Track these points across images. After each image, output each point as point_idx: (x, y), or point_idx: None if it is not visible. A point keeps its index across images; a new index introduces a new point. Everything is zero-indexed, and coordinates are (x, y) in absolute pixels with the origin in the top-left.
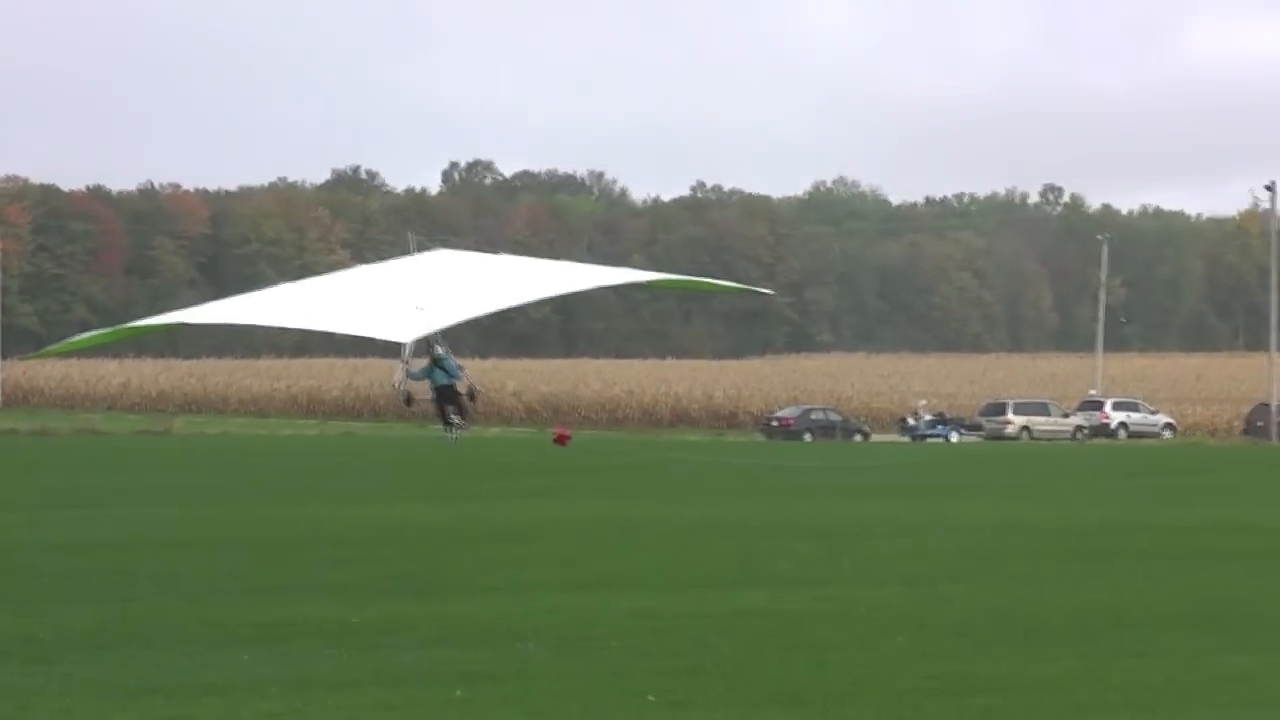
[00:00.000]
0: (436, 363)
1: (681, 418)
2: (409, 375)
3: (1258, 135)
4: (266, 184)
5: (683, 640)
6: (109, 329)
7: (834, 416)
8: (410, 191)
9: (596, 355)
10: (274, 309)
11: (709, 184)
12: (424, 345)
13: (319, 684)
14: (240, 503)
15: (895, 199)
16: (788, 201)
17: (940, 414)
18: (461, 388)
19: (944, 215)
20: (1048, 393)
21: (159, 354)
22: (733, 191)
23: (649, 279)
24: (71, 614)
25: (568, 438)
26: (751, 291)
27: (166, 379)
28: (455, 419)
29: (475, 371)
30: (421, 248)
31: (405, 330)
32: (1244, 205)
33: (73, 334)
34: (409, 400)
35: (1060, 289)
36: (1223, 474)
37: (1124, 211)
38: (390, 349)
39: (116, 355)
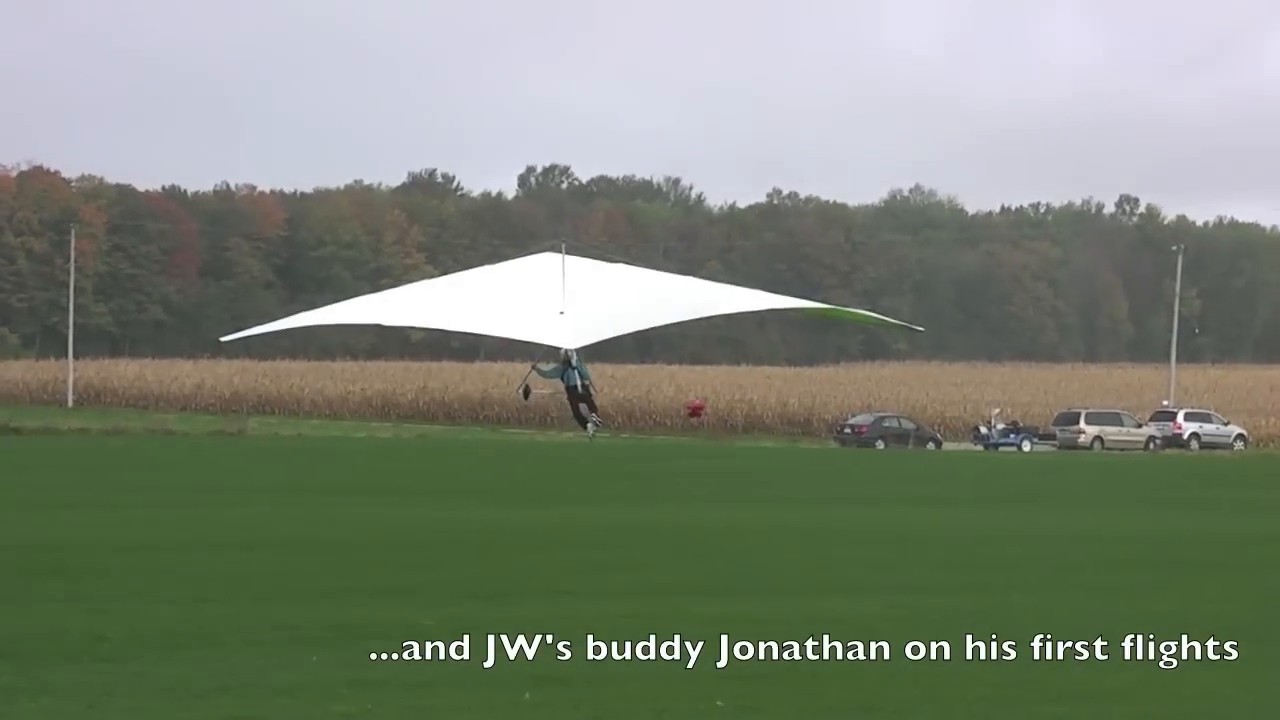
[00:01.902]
0: (568, 364)
1: (756, 424)
2: (540, 373)
3: None
4: (343, 186)
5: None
6: (281, 321)
7: (907, 424)
8: (487, 195)
9: (671, 361)
10: (442, 314)
11: (785, 191)
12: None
13: (390, 685)
14: (312, 504)
15: (971, 208)
16: (864, 209)
17: (1013, 423)
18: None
19: (1020, 225)
20: (1121, 403)
21: (233, 355)
22: (809, 199)
23: (798, 306)
24: (142, 614)
25: (702, 409)
26: (904, 327)
27: (241, 380)
28: (592, 416)
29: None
30: (568, 252)
31: (571, 338)
32: None
33: (146, 334)
34: (526, 393)
35: (1135, 299)
36: None
37: (1199, 223)
38: (464, 352)
39: (192, 356)
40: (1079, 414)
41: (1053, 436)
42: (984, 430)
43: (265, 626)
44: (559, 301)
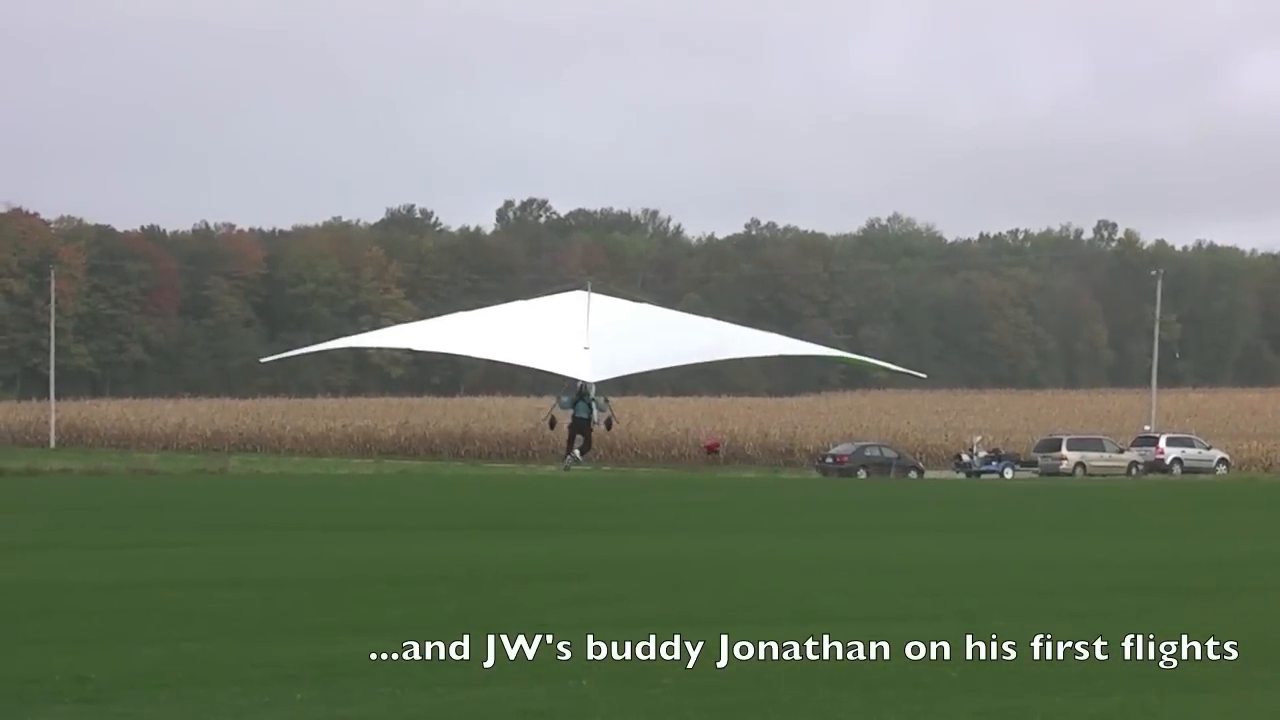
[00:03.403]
0: (582, 397)
1: (737, 455)
2: (559, 403)
3: None
4: (321, 224)
5: (737, 677)
6: (328, 343)
7: (889, 453)
8: (465, 230)
9: (652, 394)
10: (472, 342)
11: (763, 221)
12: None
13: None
14: (295, 541)
15: (950, 236)
16: (842, 239)
17: (995, 450)
18: (601, 419)
19: (998, 252)
20: (1103, 428)
21: (214, 394)
22: (787, 229)
23: (814, 353)
24: (126, 653)
25: (717, 446)
26: (906, 373)
27: (222, 418)
28: (577, 451)
29: (532, 408)
30: (592, 290)
31: (591, 371)
32: None
33: (127, 374)
34: (553, 424)
35: (1115, 325)
36: (1276, 509)
37: (1178, 247)
38: (444, 388)
39: (172, 395)
40: (1061, 440)
41: (1034, 463)
42: (965, 458)
43: (249, 665)
44: (584, 337)
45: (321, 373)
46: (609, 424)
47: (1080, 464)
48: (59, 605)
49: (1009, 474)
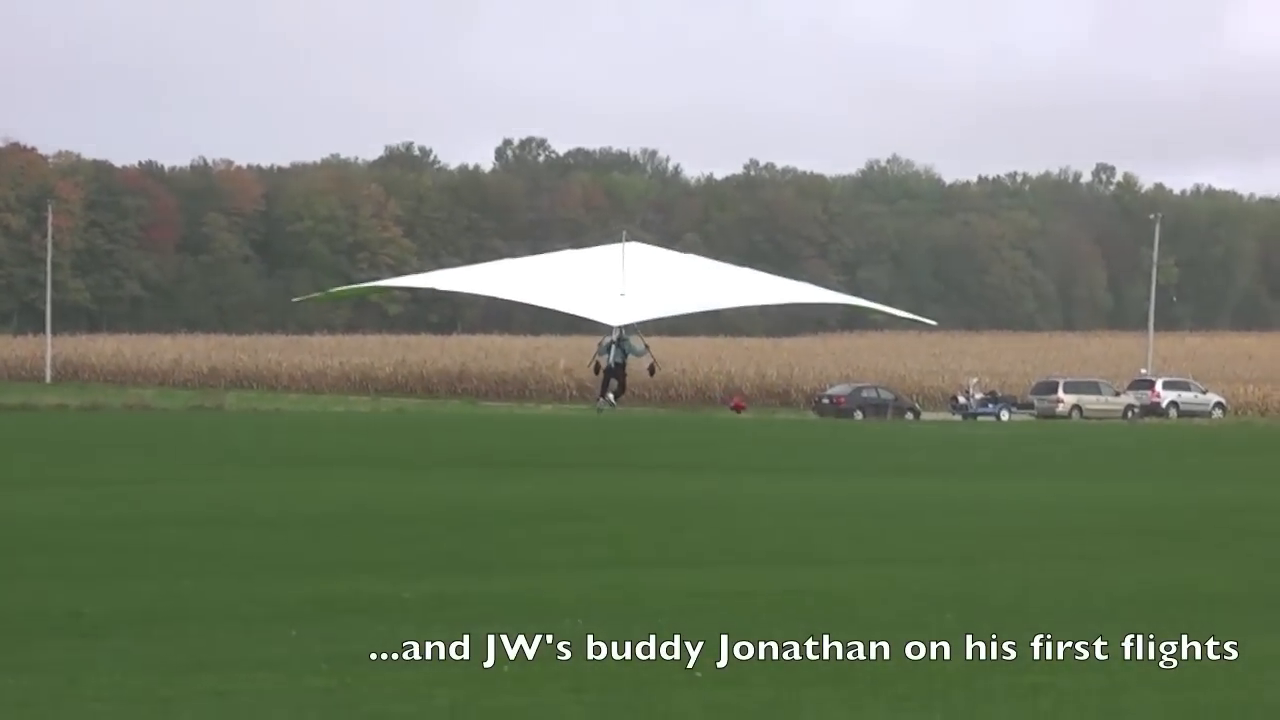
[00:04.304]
0: (618, 343)
1: (734, 395)
2: (600, 348)
3: None
4: (319, 161)
5: (734, 618)
6: (365, 284)
7: (885, 395)
8: (464, 169)
9: (649, 333)
10: (506, 283)
11: (762, 162)
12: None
13: (370, 660)
14: (291, 479)
15: (948, 178)
16: (841, 180)
17: (992, 392)
18: (643, 364)
19: (997, 195)
20: (1100, 372)
21: (211, 330)
22: (786, 170)
23: (838, 301)
24: (123, 590)
25: (743, 407)
26: (916, 321)
27: (219, 355)
28: (611, 396)
29: (529, 348)
30: (629, 239)
31: (616, 315)
32: None
33: (124, 310)
34: (598, 369)
35: (1113, 269)
36: (1272, 454)
37: (1176, 192)
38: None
39: (169, 331)
40: (1057, 383)
41: (1031, 406)
42: (962, 400)
43: (245, 601)
44: (621, 285)
45: (319, 310)
46: (651, 370)
47: (1076, 407)
48: (56, 541)
49: (1005, 416)
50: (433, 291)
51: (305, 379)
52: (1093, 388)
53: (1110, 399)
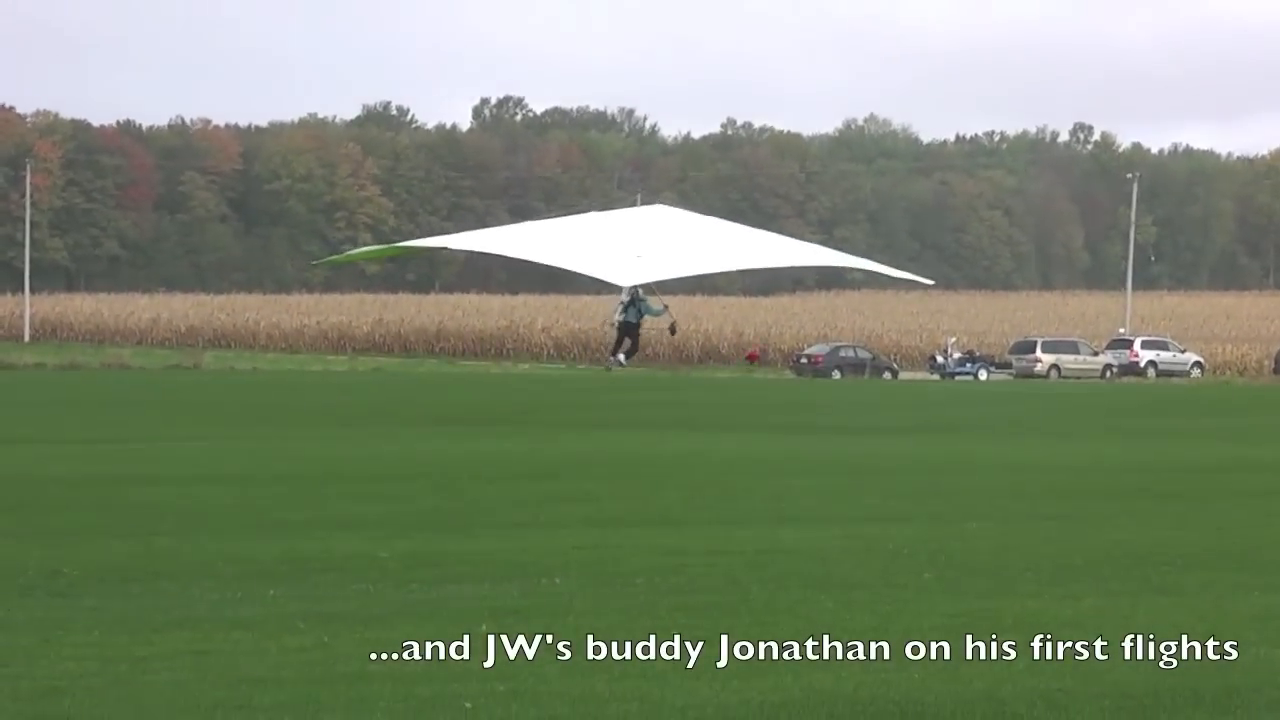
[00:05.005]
0: (634, 302)
1: (711, 354)
2: (620, 307)
3: None
4: (297, 120)
5: (709, 577)
6: (384, 245)
7: (863, 354)
8: (441, 128)
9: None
10: (522, 243)
11: (739, 121)
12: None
13: (346, 618)
14: (268, 437)
15: (926, 137)
16: (819, 139)
17: (969, 352)
18: (664, 323)
19: (974, 154)
20: (1078, 331)
21: (188, 289)
22: (763, 129)
23: (843, 263)
24: (98, 548)
25: (757, 356)
26: (913, 281)
27: (196, 314)
28: (622, 354)
29: (507, 306)
30: (643, 202)
31: (626, 276)
32: (1275, 144)
33: (101, 269)
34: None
35: (1090, 228)
36: (1251, 413)
37: (1154, 150)
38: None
39: (147, 290)
40: (1035, 342)
41: (1009, 365)
42: (940, 359)
43: (221, 560)
44: (638, 246)
45: (296, 269)
46: (673, 329)
47: (1055, 366)
48: (32, 499)
49: (983, 376)
50: (446, 251)
51: (283, 338)
52: (1071, 347)
53: (1088, 358)
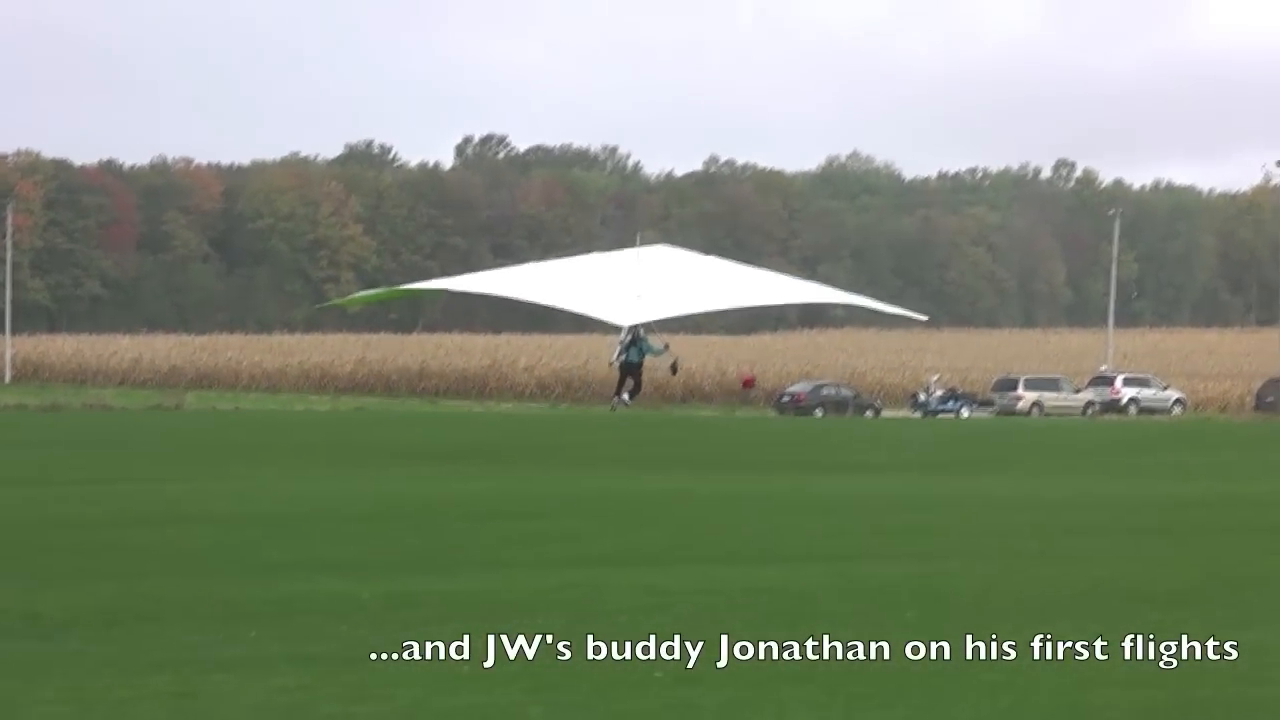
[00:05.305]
0: (635, 342)
1: (694, 393)
2: (619, 347)
3: (1270, 110)
4: (279, 159)
5: (694, 617)
6: (385, 289)
7: (846, 392)
8: (423, 166)
9: (608, 331)
10: (522, 284)
11: (722, 158)
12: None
13: (327, 660)
14: (250, 477)
15: (908, 174)
16: (802, 176)
17: (952, 389)
18: (665, 362)
19: (957, 190)
20: (1060, 368)
21: (171, 329)
22: (746, 166)
23: (836, 299)
24: (80, 590)
25: (752, 382)
26: (906, 316)
27: (178, 354)
28: (626, 394)
29: (490, 346)
30: (644, 243)
31: (626, 315)
32: (1256, 180)
33: (83, 309)
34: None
35: (1073, 264)
36: (1232, 449)
37: (1136, 187)
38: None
39: (129, 331)
40: (1017, 380)
41: (991, 403)
42: (922, 397)
43: (204, 602)
44: (639, 286)
45: (279, 308)
46: (674, 368)
47: (1037, 403)
48: (13, 541)
49: (965, 413)
50: (447, 294)
51: (265, 378)
52: (1053, 384)
53: (1070, 395)
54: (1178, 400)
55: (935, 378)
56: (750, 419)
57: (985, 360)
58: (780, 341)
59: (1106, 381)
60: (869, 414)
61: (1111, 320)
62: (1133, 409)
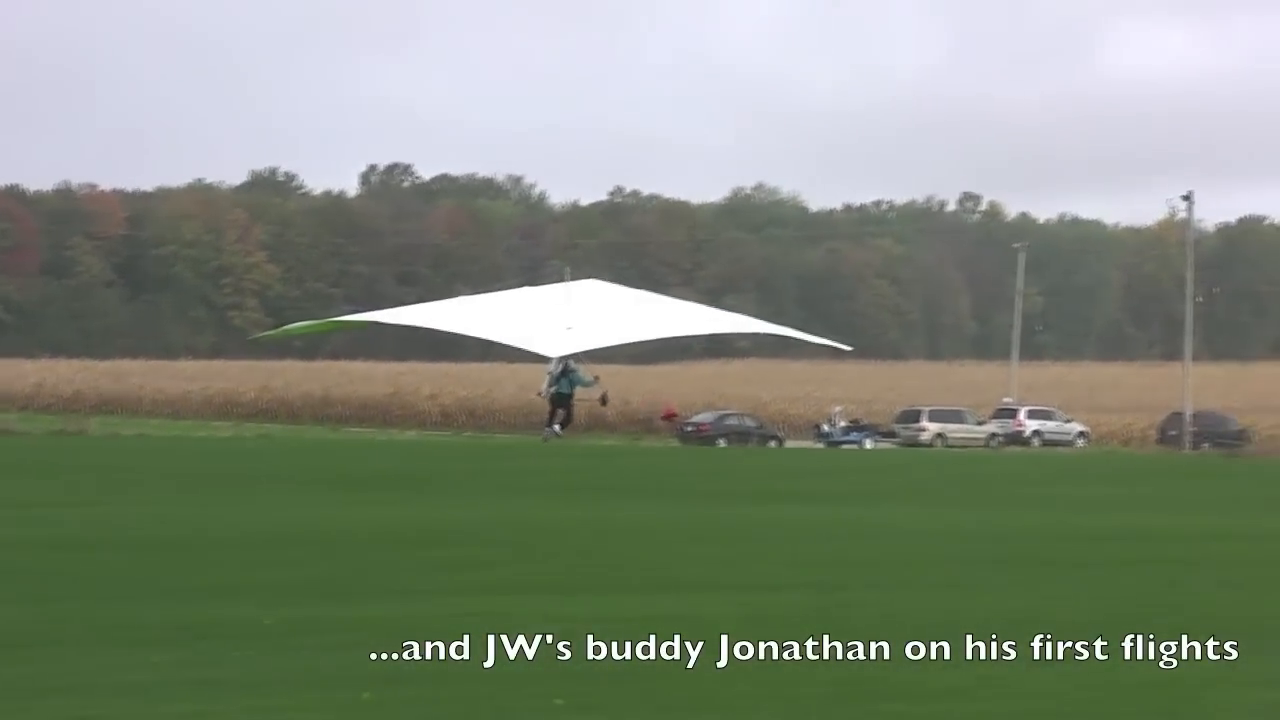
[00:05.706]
0: (566, 373)
1: (598, 423)
2: (549, 379)
3: (1175, 145)
4: (184, 185)
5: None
6: (320, 320)
7: (749, 422)
8: (329, 194)
9: (512, 360)
10: (453, 318)
11: (628, 189)
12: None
13: (229, 685)
14: (155, 503)
15: (814, 206)
16: (707, 207)
17: (855, 420)
18: (595, 394)
19: (863, 222)
20: (965, 400)
21: (74, 354)
22: (651, 196)
23: (764, 331)
24: None
25: (674, 415)
26: (831, 347)
27: (82, 379)
28: (557, 425)
29: (394, 373)
30: (573, 277)
31: (556, 347)
32: (1161, 215)
33: None
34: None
35: (978, 297)
36: (1134, 482)
37: (1041, 220)
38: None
39: (31, 355)
40: (921, 411)
41: (894, 434)
42: (826, 428)
43: (108, 626)
44: (568, 319)
45: (183, 335)
46: (604, 400)
47: (940, 435)
48: None
49: (869, 444)
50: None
51: (169, 404)
52: (956, 416)
53: (974, 427)
54: (1081, 433)
55: (839, 409)
56: (654, 449)
57: (889, 392)
58: (685, 371)
59: (1010, 414)
60: (772, 444)
61: (1016, 353)
62: (1036, 441)
